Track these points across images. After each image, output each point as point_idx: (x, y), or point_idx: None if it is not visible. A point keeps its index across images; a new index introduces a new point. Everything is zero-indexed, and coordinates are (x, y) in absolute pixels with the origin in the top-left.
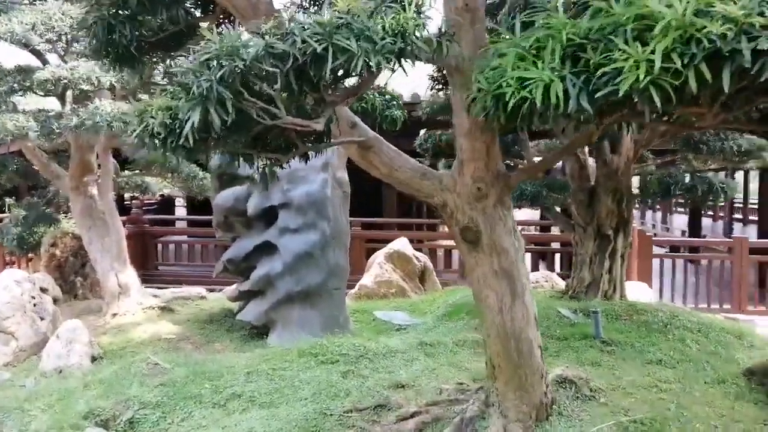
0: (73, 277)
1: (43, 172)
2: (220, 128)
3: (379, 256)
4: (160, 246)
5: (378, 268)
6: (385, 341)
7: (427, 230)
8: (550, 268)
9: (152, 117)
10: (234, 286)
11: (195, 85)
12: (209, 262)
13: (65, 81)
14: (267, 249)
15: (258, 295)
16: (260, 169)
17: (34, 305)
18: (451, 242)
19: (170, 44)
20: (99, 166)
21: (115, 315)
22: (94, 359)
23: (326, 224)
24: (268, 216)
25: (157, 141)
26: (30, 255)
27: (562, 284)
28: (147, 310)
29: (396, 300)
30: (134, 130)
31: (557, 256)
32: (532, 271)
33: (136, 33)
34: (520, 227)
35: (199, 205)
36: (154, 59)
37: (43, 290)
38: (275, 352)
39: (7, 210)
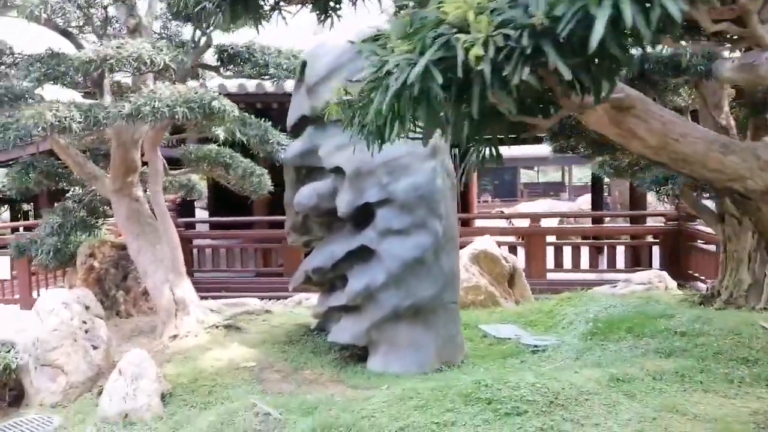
0: (115, 292)
1: (78, 172)
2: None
3: (462, 257)
4: (195, 251)
5: (464, 272)
6: (568, 378)
7: (462, 226)
8: (611, 264)
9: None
10: (314, 299)
11: None
12: (248, 267)
13: (112, 61)
14: (362, 255)
15: (353, 311)
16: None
17: (86, 332)
18: (508, 238)
19: None
20: (143, 164)
21: (174, 337)
22: (162, 397)
23: (438, 223)
24: (359, 216)
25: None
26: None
27: (673, 284)
28: (210, 329)
29: (494, 309)
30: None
31: (620, 250)
32: (591, 267)
33: None
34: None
35: (223, 206)
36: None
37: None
38: (420, 392)
39: (30, 217)
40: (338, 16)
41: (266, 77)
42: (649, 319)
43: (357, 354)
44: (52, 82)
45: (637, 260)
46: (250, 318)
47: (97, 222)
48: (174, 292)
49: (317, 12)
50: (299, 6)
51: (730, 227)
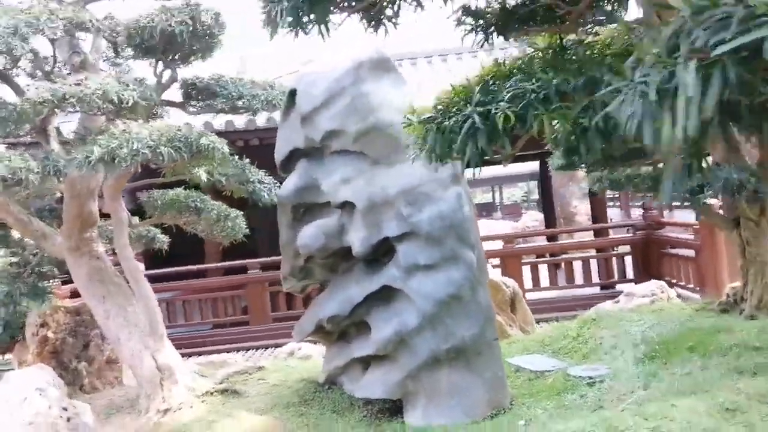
0: (75, 364)
1: (22, 232)
2: None
3: None
4: None
5: None
6: (672, 414)
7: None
8: (570, 279)
9: None
10: (307, 349)
11: None
12: (205, 320)
13: (72, 100)
14: (383, 297)
15: (381, 361)
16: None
17: (68, 420)
18: None
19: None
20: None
21: (166, 411)
22: None
23: (471, 253)
24: (372, 253)
25: None
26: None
27: (673, 295)
28: (204, 397)
29: (510, 339)
30: None
31: (577, 266)
32: (552, 284)
33: None
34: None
35: (160, 256)
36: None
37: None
38: None
39: None
40: (395, 25)
41: (240, 111)
42: (707, 335)
43: (386, 408)
44: None
45: (609, 273)
46: (244, 379)
47: (48, 287)
48: (156, 358)
49: (366, 21)
50: (345, 15)
51: (748, 231)
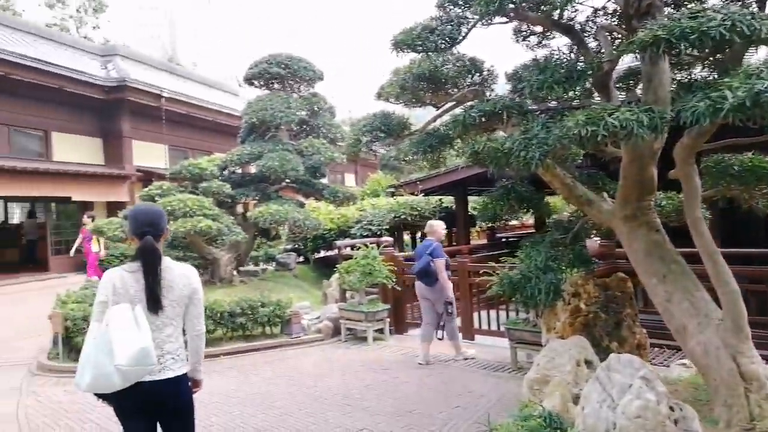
0: (607, 342)
1: (566, 196)
2: None
3: None
4: None
5: None
6: None
7: None
8: None
9: None
10: None
11: None
12: None
13: (692, 36)
14: None
15: None
16: None
17: (675, 422)
18: None
19: None
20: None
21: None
22: None
23: None
24: None
25: None
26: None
27: None
28: None
29: None
30: None
31: None
32: None
33: None
34: None
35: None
36: None
37: (588, 363)
38: None
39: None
40: None
41: None
42: None
43: None
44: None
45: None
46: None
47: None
48: (738, 362)
49: None
50: None
51: None
